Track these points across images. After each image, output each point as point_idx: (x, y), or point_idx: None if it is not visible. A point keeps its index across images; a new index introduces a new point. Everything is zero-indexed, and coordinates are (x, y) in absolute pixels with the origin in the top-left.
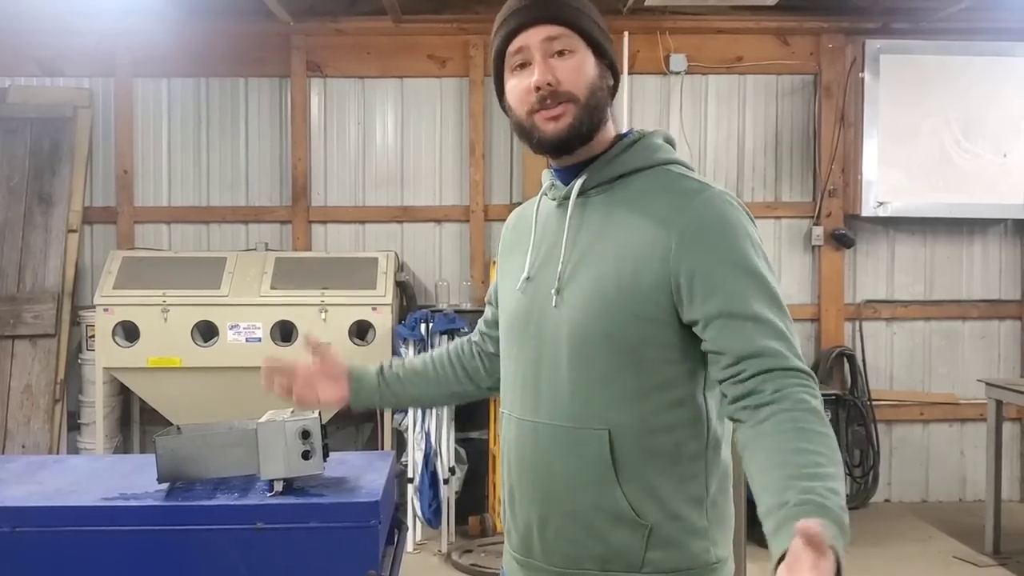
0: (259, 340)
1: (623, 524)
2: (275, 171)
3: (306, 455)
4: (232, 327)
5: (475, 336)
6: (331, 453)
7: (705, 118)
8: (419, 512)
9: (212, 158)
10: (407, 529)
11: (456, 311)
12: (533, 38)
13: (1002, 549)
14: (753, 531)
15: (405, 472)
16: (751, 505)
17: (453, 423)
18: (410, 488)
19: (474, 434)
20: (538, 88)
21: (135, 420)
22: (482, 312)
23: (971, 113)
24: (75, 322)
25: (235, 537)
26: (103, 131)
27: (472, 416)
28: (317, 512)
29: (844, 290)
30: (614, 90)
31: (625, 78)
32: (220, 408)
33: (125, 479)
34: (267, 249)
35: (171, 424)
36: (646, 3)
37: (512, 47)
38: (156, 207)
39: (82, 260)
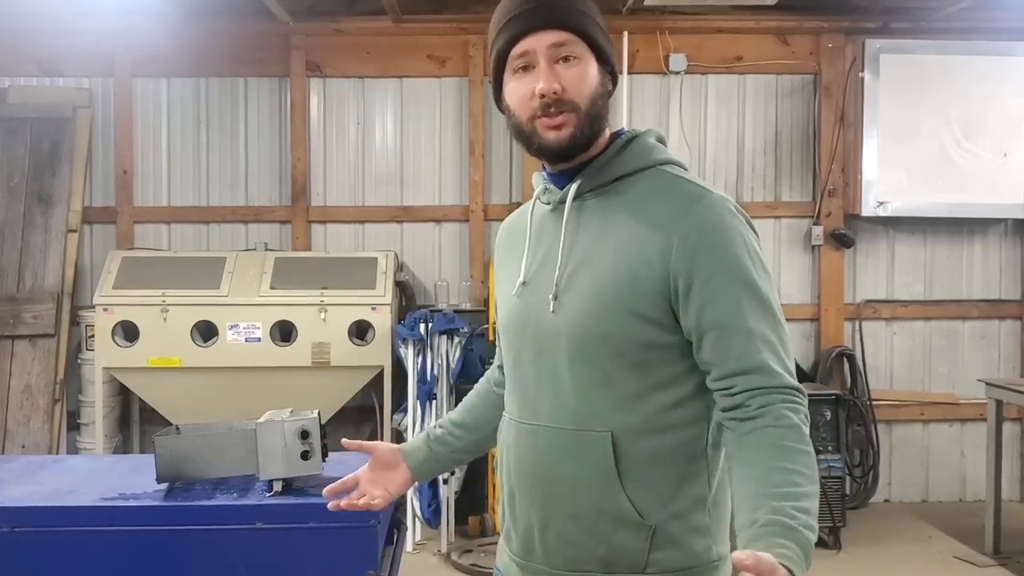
0: (259, 340)
1: (626, 525)
2: (275, 171)
3: (305, 455)
4: (232, 327)
5: (496, 360)
6: (330, 453)
7: (705, 118)
8: (418, 512)
9: (212, 158)
10: (406, 529)
11: (455, 311)
12: (539, 43)
13: (1002, 549)
14: None
15: None
16: None
17: None
18: (409, 488)
19: None
20: (543, 96)
21: (135, 420)
22: (481, 312)
23: (971, 113)
24: (75, 322)
25: (234, 537)
26: (103, 131)
27: None
28: (316, 512)
29: (844, 290)
30: (612, 94)
31: (625, 78)
32: (219, 408)
33: (124, 479)
34: (267, 249)
35: (170, 424)
36: (646, 3)
37: (517, 50)
38: (156, 207)
39: (82, 260)
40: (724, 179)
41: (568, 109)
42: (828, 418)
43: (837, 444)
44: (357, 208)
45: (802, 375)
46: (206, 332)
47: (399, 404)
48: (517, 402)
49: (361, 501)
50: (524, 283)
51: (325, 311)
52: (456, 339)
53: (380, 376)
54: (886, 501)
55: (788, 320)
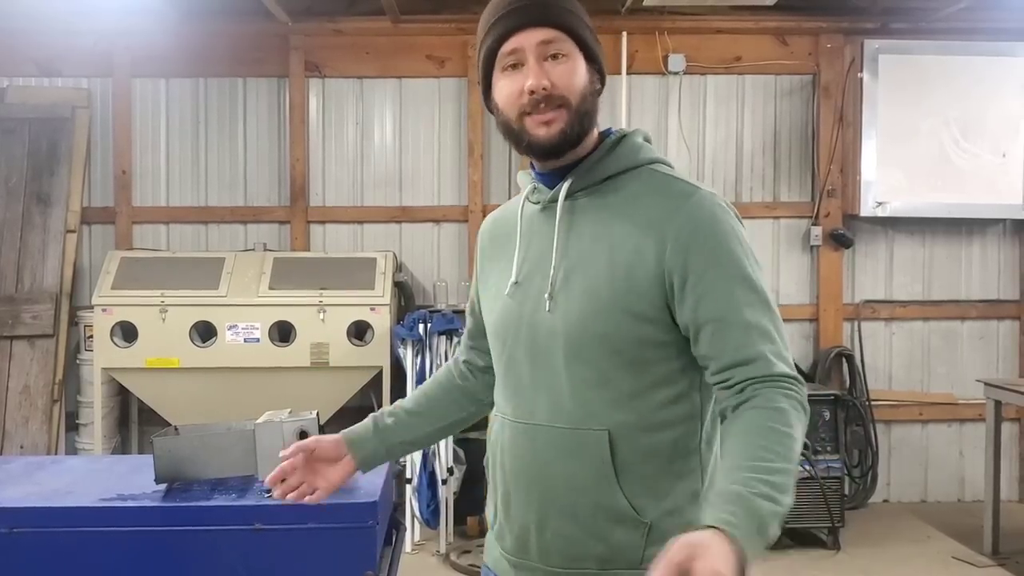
0: (257, 340)
1: (623, 523)
2: (273, 171)
3: None
4: (230, 327)
5: (462, 355)
6: None
7: (704, 118)
8: (417, 512)
9: (210, 158)
10: (405, 530)
11: (454, 311)
12: (528, 40)
13: (1001, 549)
14: None
15: (403, 473)
16: None
17: None
18: (408, 489)
19: (472, 434)
20: (532, 92)
21: (133, 421)
22: None
23: (970, 113)
24: (73, 322)
25: (233, 538)
26: (101, 131)
27: None
28: (315, 513)
29: (843, 290)
30: (600, 93)
31: (624, 78)
32: (218, 409)
33: (123, 480)
34: (265, 249)
35: (169, 425)
36: (644, 3)
37: (506, 47)
38: (154, 207)
39: (80, 260)
40: (723, 179)
41: (558, 105)
42: (827, 418)
43: (836, 444)
44: (356, 208)
45: (801, 375)
46: (205, 332)
47: None
48: (512, 402)
49: (293, 495)
50: (516, 283)
51: (324, 311)
52: (455, 339)
53: (379, 376)
54: (885, 501)
55: (787, 320)
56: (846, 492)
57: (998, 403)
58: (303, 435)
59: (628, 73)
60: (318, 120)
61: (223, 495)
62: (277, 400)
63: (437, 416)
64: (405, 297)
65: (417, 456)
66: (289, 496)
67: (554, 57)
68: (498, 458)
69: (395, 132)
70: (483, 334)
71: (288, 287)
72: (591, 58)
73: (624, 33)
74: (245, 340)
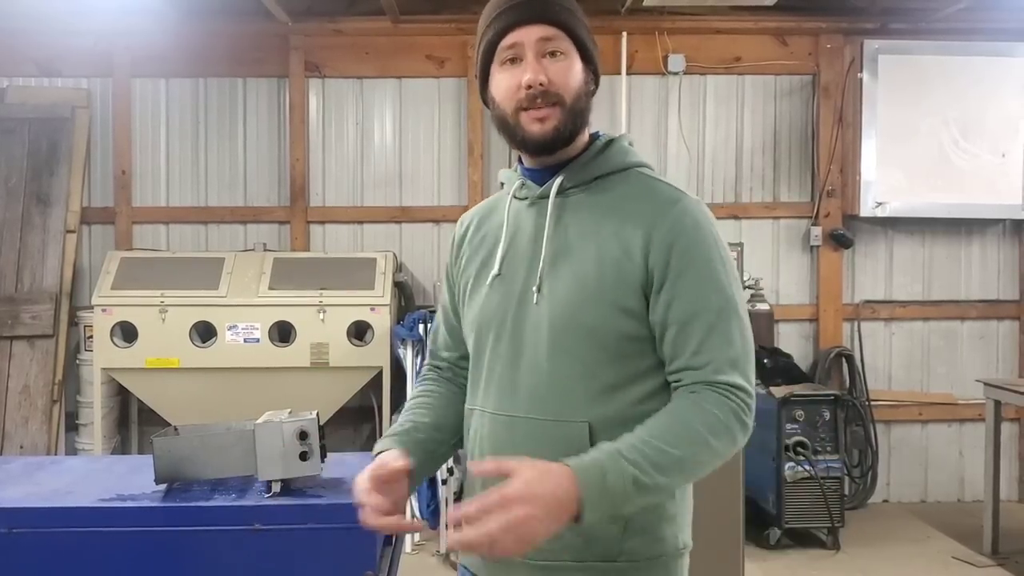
0: (257, 341)
1: None
2: (273, 171)
3: (304, 456)
4: (230, 328)
5: (447, 372)
6: (329, 454)
7: (704, 118)
8: (417, 512)
9: (210, 158)
10: None
11: None
12: (529, 36)
13: (1000, 549)
14: (752, 531)
15: None
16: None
17: None
18: None
19: None
20: (529, 87)
21: (133, 421)
22: None
23: (970, 113)
24: (73, 323)
25: (233, 538)
26: (101, 131)
27: None
28: (315, 513)
29: (843, 290)
30: (594, 94)
31: (623, 78)
32: (218, 409)
33: (122, 480)
34: (265, 249)
35: (169, 425)
36: (644, 3)
37: (506, 41)
38: (154, 207)
39: (80, 261)
40: (723, 179)
41: (553, 102)
42: (827, 418)
43: (836, 444)
44: (356, 208)
45: (801, 375)
46: (205, 333)
47: (398, 405)
48: (493, 394)
49: (395, 520)
50: (499, 275)
51: (324, 312)
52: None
53: (379, 377)
54: (885, 501)
55: (787, 321)
56: (846, 492)
57: (998, 403)
58: (303, 435)
59: (628, 73)
60: (318, 120)
61: (223, 495)
62: (277, 400)
63: (456, 427)
64: (405, 297)
65: None
66: (382, 522)
67: (552, 55)
68: (477, 451)
69: (395, 132)
70: (461, 341)
71: (288, 287)
72: (587, 59)
73: (624, 33)
74: (245, 340)
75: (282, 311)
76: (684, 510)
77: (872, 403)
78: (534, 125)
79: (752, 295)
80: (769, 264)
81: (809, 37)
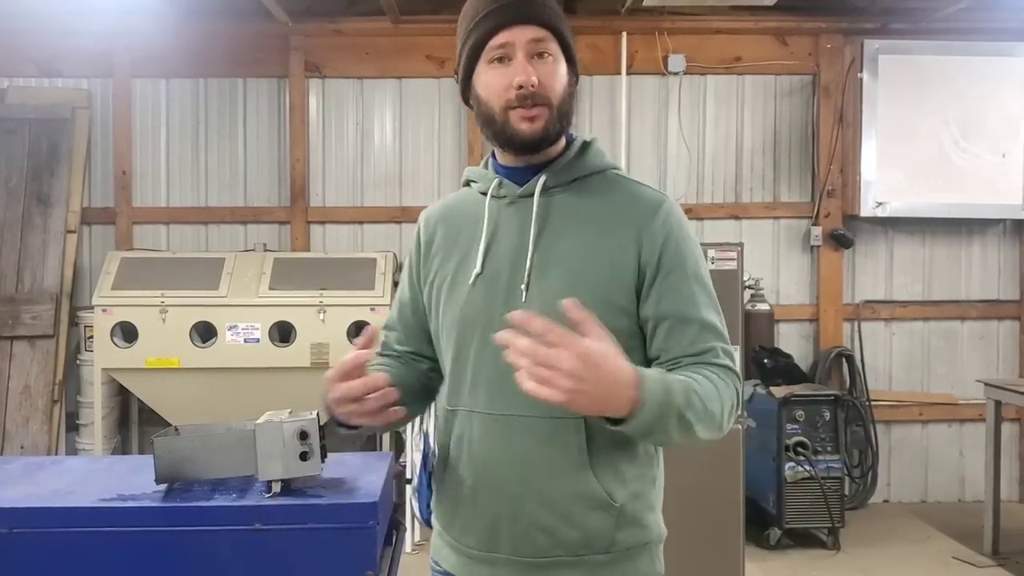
0: (257, 341)
1: (598, 508)
2: (273, 171)
3: (304, 456)
4: (231, 328)
5: (400, 359)
6: (329, 454)
7: (704, 118)
8: (417, 513)
9: (211, 159)
10: (405, 530)
11: None
12: (520, 36)
13: (1001, 550)
14: (752, 531)
15: (403, 473)
16: (751, 505)
17: None
18: (408, 489)
19: None
20: (521, 87)
21: (133, 421)
22: None
23: (970, 113)
24: (73, 323)
25: (233, 538)
26: (101, 132)
27: None
28: (315, 513)
29: (843, 290)
30: (576, 94)
31: (624, 78)
32: (218, 409)
33: (123, 480)
34: (265, 250)
35: (169, 425)
36: (644, 3)
37: (496, 40)
38: (154, 208)
39: (80, 261)
40: (723, 179)
41: (542, 103)
42: (827, 418)
43: (836, 445)
44: (356, 208)
45: (801, 376)
46: (205, 333)
47: None
48: (482, 394)
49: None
50: (480, 274)
51: (324, 312)
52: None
53: None
54: (885, 502)
55: (787, 321)
56: (846, 492)
57: (998, 403)
58: (304, 435)
59: (628, 73)
60: (318, 120)
61: (223, 495)
62: (277, 400)
63: (411, 395)
64: None
65: (417, 456)
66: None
67: (540, 56)
68: (464, 453)
69: (395, 132)
70: (425, 336)
71: (288, 287)
72: (571, 60)
73: (624, 33)
74: (245, 340)
75: (282, 311)
76: (661, 499)
77: (872, 403)
78: (523, 124)
79: (752, 295)
80: (769, 264)
81: (809, 37)
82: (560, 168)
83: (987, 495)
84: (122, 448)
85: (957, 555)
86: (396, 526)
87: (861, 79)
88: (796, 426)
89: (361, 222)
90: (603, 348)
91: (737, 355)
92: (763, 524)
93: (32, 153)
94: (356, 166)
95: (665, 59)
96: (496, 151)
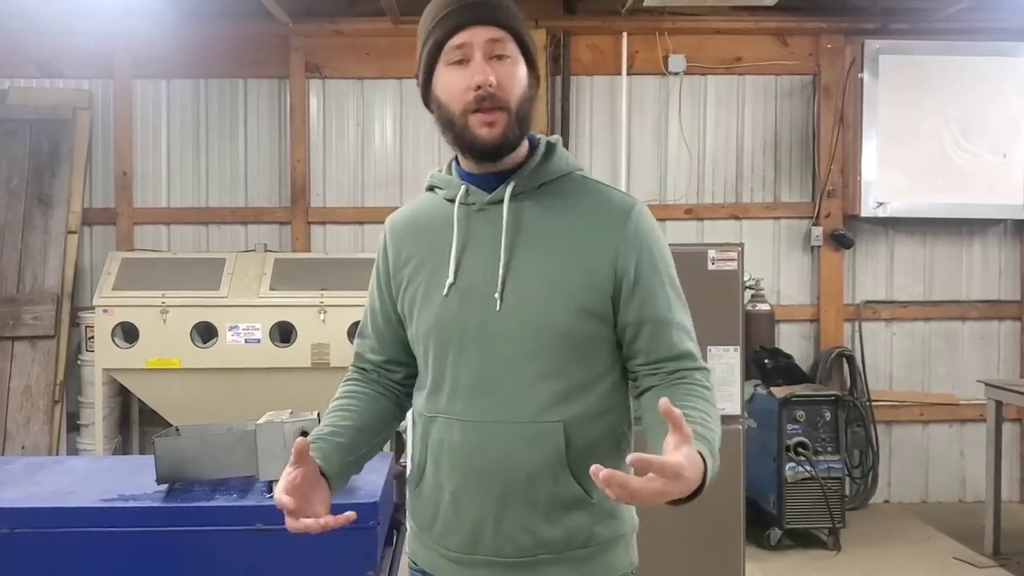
0: (258, 341)
1: (577, 506)
2: (274, 172)
3: None
4: (231, 328)
5: (372, 374)
6: None
7: (704, 119)
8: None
9: (211, 159)
10: (406, 530)
11: None
12: (478, 36)
13: (1002, 550)
14: (753, 532)
15: (404, 473)
16: (751, 506)
17: None
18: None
19: None
20: (479, 87)
21: (134, 421)
22: None
23: (971, 113)
24: (74, 323)
25: (234, 538)
26: (102, 132)
27: None
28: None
29: (843, 291)
30: (535, 97)
31: (624, 78)
32: (219, 409)
33: (124, 480)
34: (266, 250)
35: (170, 425)
36: (645, 3)
37: (454, 41)
38: (155, 208)
39: (81, 261)
40: (723, 180)
41: (500, 106)
42: (827, 419)
43: (836, 445)
44: (356, 209)
45: (802, 376)
46: (206, 333)
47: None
48: (462, 401)
49: (320, 522)
50: (453, 283)
51: (325, 312)
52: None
53: None
54: (886, 502)
55: (787, 321)
56: (847, 493)
57: (999, 404)
58: (304, 435)
59: (628, 73)
60: (318, 121)
61: (224, 495)
62: (278, 401)
63: (379, 427)
64: None
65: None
66: (303, 523)
67: (499, 57)
68: (443, 459)
69: (395, 133)
70: (399, 346)
71: (289, 288)
72: (530, 63)
73: (624, 33)
74: (246, 341)
75: (283, 311)
76: None
77: (873, 403)
78: (483, 129)
79: (753, 295)
80: (770, 264)
81: (810, 37)
82: (528, 173)
83: (988, 495)
84: (123, 448)
85: (958, 555)
86: (396, 526)
87: (862, 79)
88: (797, 426)
89: (362, 222)
90: (681, 467)
91: (737, 356)
92: (764, 524)
93: (33, 154)
94: (357, 166)
95: (666, 59)
96: (459, 157)
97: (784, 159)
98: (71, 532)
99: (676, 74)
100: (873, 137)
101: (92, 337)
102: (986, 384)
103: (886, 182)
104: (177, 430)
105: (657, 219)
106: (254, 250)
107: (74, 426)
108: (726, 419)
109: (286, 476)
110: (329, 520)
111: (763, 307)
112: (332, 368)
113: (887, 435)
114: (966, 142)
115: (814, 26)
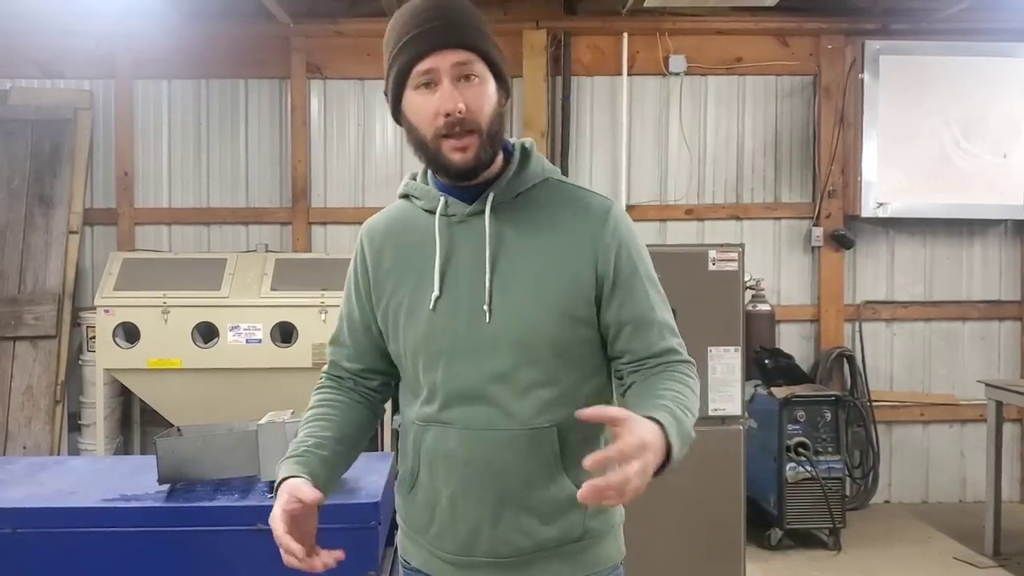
0: (259, 341)
1: (571, 506)
2: (275, 172)
3: None
4: (232, 328)
5: (347, 382)
6: None
7: (705, 119)
8: None
9: (212, 159)
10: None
11: None
12: (443, 61)
13: (1002, 550)
14: (753, 532)
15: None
16: (752, 506)
17: None
18: None
19: None
20: (448, 114)
21: (135, 421)
22: None
23: (971, 114)
24: (76, 323)
25: (236, 538)
26: (103, 133)
27: None
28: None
29: (844, 291)
30: (505, 108)
31: (624, 79)
32: (220, 409)
33: (125, 480)
34: (267, 250)
35: (172, 425)
36: (645, 4)
37: (420, 67)
38: (156, 208)
39: (83, 262)
40: (724, 180)
41: (471, 129)
42: (828, 419)
43: (837, 445)
44: (357, 209)
45: (802, 376)
46: (207, 333)
47: (398, 406)
48: (456, 411)
49: (319, 562)
50: (440, 297)
51: (326, 312)
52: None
53: None
54: (886, 502)
55: (788, 321)
56: (847, 493)
57: (999, 404)
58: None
59: (629, 74)
60: (319, 121)
61: (226, 495)
62: (279, 401)
63: (358, 438)
64: None
65: None
66: (311, 563)
67: (467, 79)
68: (438, 465)
69: (396, 133)
70: (377, 354)
71: (290, 288)
72: (499, 76)
73: (625, 34)
74: (247, 341)
75: (284, 312)
76: None
77: (873, 404)
78: (456, 154)
79: (753, 296)
80: (770, 265)
81: (810, 38)
82: (506, 184)
83: (988, 496)
84: (124, 448)
85: (958, 556)
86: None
87: (862, 79)
88: (797, 427)
89: (362, 223)
90: (643, 430)
91: (738, 356)
92: (764, 525)
93: (34, 154)
94: (357, 167)
95: (666, 60)
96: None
97: (784, 159)
98: (73, 532)
99: (677, 74)
100: (873, 137)
101: (93, 337)
102: (986, 384)
103: (886, 182)
104: (179, 430)
105: (657, 219)
106: (255, 250)
107: (75, 426)
108: (727, 419)
109: (285, 522)
110: (329, 562)
111: (763, 307)
112: None
113: (887, 435)
114: (966, 142)
115: (814, 26)
